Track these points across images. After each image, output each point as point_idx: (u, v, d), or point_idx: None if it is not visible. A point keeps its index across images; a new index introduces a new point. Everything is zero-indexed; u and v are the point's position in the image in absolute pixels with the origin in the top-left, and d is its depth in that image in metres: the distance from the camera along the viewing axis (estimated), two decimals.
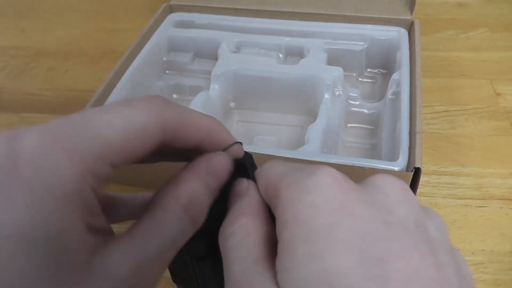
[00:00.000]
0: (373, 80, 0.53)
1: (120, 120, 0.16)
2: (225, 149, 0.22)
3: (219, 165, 0.20)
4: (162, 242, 0.17)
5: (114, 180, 0.47)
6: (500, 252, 0.38)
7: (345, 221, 0.15)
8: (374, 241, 0.14)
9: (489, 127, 0.49)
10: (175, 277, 0.28)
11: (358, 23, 0.52)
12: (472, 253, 0.38)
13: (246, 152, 0.22)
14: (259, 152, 0.35)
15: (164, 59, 0.53)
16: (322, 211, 0.15)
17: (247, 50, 0.51)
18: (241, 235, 0.18)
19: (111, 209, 0.21)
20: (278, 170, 0.19)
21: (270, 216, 0.19)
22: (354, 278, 0.13)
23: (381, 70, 0.53)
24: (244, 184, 0.21)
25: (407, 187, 0.17)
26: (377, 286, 0.13)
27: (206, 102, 0.44)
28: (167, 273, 0.28)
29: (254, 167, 0.23)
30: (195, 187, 0.19)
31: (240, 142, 0.22)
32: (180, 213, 0.18)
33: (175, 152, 0.21)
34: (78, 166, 0.15)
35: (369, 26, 0.51)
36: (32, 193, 0.14)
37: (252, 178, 0.21)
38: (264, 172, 0.20)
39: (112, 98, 0.42)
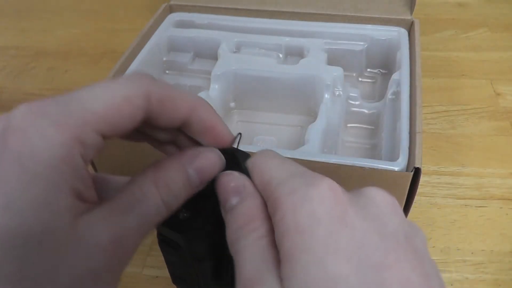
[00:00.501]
0: (373, 80, 0.53)
1: (104, 92, 0.18)
2: (221, 149, 0.22)
3: (206, 161, 0.21)
4: (138, 219, 0.18)
5: None
6: (500, 252, 0.38)
7: (344, 231, 0.16)
8: (371, 251, 0.16)
9: (489, 127, 0.49)
10: (176, 278, 0.28)
11: (358, 23, 0.52)
12: (472, 253, 0.38)
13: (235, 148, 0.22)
14: None
15: (164, 59, 0.53)
16: (322, 221, 0.16)
17: (247, 50, 0.51)
18: (253, 238, 0.18)
19: (105, 189, 0.21)
20: (274, 169, 0.19)
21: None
22: (353, 284, 0.15)
23: (381, 70, 0.53)
24: (239, 180, 0.20)
25: (396, 201, 0.19)
26: None
27: None
28: (166, 274, 0.28)
29: (245, 155, 0.22)
30: (175, 176, 0.20)
31: (240, 133, 0.22)
32: (156, 197, 0.19)
33: (162, 133, 0.21)
34: (64, 133, 0.16)
35: (369, 26, 0.51)
36: (19, 159, 0.15)
37: (244, 170, 0.21)
38: (258, 168, 0.20)
39: None
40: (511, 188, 0.42)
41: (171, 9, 0.56)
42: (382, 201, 0.18)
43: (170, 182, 0.19)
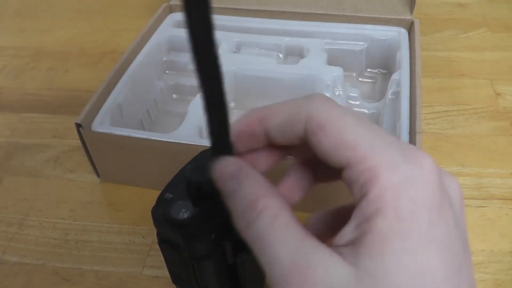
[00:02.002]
0: (373, 80, 0.53)
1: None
2: None
3: None
4: None
5: (114, 180, 0.46)
6: (500, 252, 0.38)
7: (440, 223, 0.16)
8: (456, 248, 0.16)
9: (489, 127, 0.49)
10: (176, 278, 0.28)
11: (358, 23, 0.52)
12: (472, 253, 0.38)
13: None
14: None
15: (164, 59, 0.53)
16: (424, 210, 0.15)
17: (247, 50, 0.51)
18: (268, 217, 0.17)
19: None
20: (357, 129, 0.17)
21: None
22: (440, 279, 0.15)
23: (381, 70, 0.53)
24: (232, 164, 0.19)
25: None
26: None
27: None
28: (166, 274, 0.28)
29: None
30: None
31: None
32: None
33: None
34: None
35: (369, 26, 0.51)
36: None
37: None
38: (334, 123, 0.17)
39: (112, 98, 0.42)
40: (511, 188, 0.42)
41: (171, 9, 0.56)
42: (456, 190, 0.18)
43: None
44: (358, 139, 0.17)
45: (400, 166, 0.16)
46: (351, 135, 0.17)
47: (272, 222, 0.17)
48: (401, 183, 0.15)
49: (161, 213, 0.23)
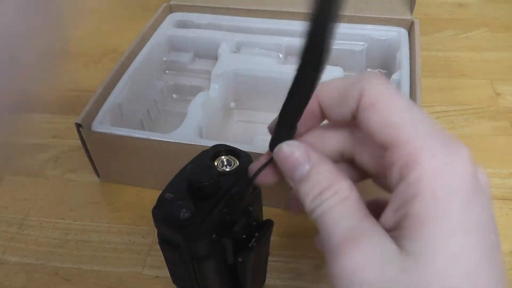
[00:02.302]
0: None
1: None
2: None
3: None
4: None
5: (114, 180, 0.46)
6: None
7: (475, 207, 0.16)
8: (489, 230, 0.17)
9: (489, 127, 0.49)
10: (176, 278, 0.28)
11: (358, 23, 0.52)
12: None
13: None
14: (259, 152, 0.35)
15: (164, 59, 0.53)
16: (460, 194, 0.16)
17: (247, 50, 0.51)
18: (340, 197, 0.18)
19: None
20: (405, 113, 0.18)
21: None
22: (476, 259, 0.16)
23: (381, 70, 0.53)
24: (302, 148, 0.20)
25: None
26: (490, 269, 0.16)
27: (206, 102, 0.44)
28: (166, 274, 0.28)
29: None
30: None
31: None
32: None
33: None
34: None
35: (369, 26, 0.51)
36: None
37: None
38: (383, 103, 0.18)
39: (112, 98, 0.42)
40: (511, 188, 0.42)
41: (171, 9, 0.56)
42: (486, 183, 0.18)
43: None
44: (404, 122, 0.18)
45: (440, 153, 0.17)
46: (398, 117, 0.18)
47: (340, 204, 0.18)
48: (440, 169, 0.16)
49: (161, 213, 0.23)
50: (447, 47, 0.60)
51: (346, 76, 0.47)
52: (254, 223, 0.25)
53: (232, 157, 0.26)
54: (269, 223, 0.26)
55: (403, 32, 0.50)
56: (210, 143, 0.30)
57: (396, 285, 0.16)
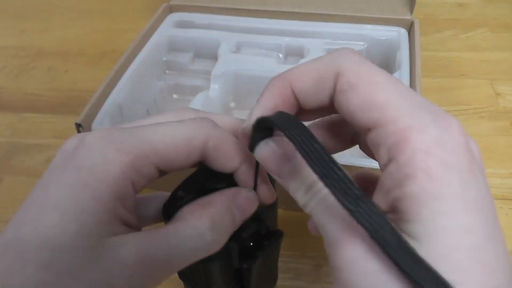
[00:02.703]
0: None
1: (167, 130, 0.19)
2: (254, 186, 0.22)
3: (245, 200, 0.21)
4: (173, 251, 0.18)
5: None
6: None
7: (473, 182, 0.15)
8: (489, 204, 0.16)
9: (489, 127, 0.49)
10: (182, 274, 0.28)
11: (358, 23, 0.52)
12: None
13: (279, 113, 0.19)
14: None
15: (164, 59, 0.53)
16: (455, 170, 0.15)
17: (247, 50, 0.51)
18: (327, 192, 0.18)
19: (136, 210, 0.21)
20: (388, 90, 0.17)
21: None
22: (481, 236, 0.15)
23: None
24: (282, 145, 0.19)
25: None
26: (494, 247, 0.15)
27: (206, 102, 0.44)
28: None
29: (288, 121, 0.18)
30: (222, 212, 0.20)
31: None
32: (206, 233, 0.19)
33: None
34: (123, 158, 0.18)
35: (369, 26, 0.51)
36: (79, 169, 0.17)
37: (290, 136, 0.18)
38: (364, 82, 0.17)
39: (112, 98, 0.42)
40: (511, 188, 0.42)
41: (171, 9, 0.56)
42: (479, 155, 0.17)
43: (218, 219, 0.20)
44: (388, 99, 0.16)
45: (429, 128, 0.16)
46: (382, 95, 0.16)
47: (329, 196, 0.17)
48: (431, 146, 0.15)
49: (172, 208, 0.23)
50: (447, 47, 0.60)
51: None
52: (264, 232, 0.25)
53: None
54: (279, 234, 0.25)
55: (403, 32, 0.50)
56: None
57: None
